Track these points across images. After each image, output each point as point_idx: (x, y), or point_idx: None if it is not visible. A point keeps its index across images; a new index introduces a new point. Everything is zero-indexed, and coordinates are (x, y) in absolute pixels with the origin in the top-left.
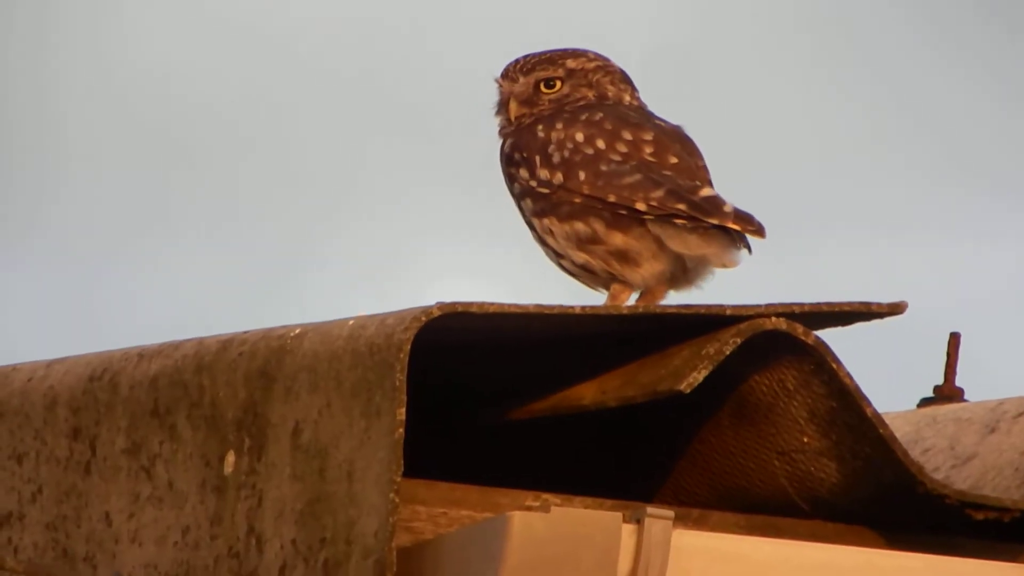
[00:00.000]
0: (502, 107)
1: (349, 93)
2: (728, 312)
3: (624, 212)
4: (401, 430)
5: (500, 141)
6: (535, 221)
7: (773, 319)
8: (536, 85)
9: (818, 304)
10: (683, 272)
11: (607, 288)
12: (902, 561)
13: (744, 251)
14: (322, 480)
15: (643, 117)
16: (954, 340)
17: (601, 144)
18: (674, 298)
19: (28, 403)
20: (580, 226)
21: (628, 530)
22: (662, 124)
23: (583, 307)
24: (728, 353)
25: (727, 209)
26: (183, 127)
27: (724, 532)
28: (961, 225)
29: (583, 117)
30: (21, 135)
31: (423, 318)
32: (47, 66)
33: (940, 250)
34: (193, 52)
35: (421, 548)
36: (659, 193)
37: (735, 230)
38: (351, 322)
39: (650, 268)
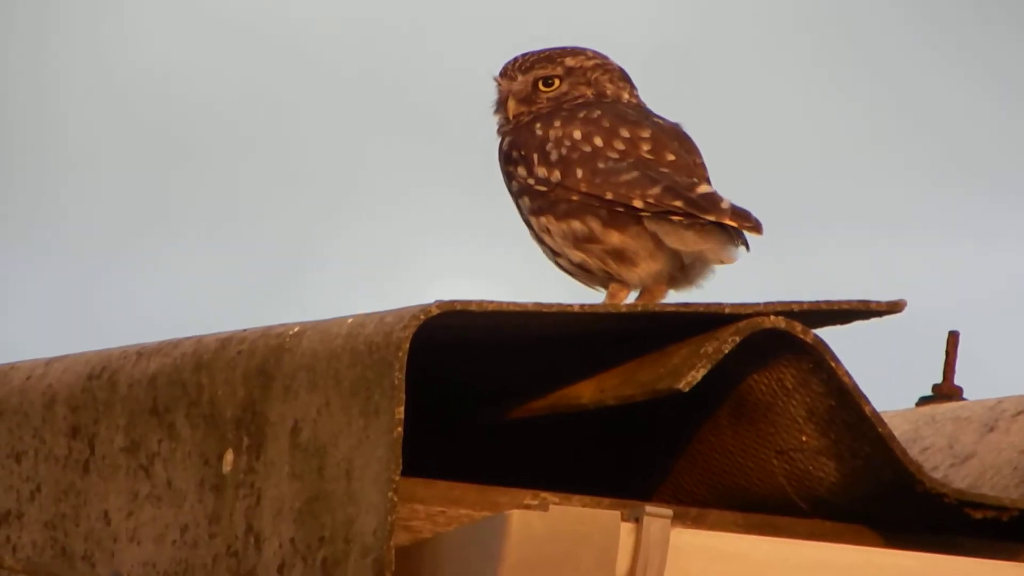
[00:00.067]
0: (501, 105)
1: (349, 93)
2: (727, 310)
3: (621, 209)
4: (400, 429)
5: (499, 139)
6: (532, 219)
7: (772, 317)
8: (535, 83)
9: (817, 303)
10: (681, 271)
11: (605, 287)
12: (901, 560)
13: (742, 248)
14: (321, 479)
15: (641, 115)
16: (953, 339)
17: (599, 142)
18: (674, 297)
19: (27, 401)
20: (577, 225)
21: (627, 529)
22: (660, 122)
23: (582, 305)
24: (727, 352)
25: (724, 206)
26: (183, 127)
27: (723, 531)
28: (961, 225)
29: (581, 115)
30: (21, 135)
31: (422, 316)
32: (47, 66)
33: (940, 250)
34: (193, 52)
35: (420, 547)
36: (656, 190)
37: (732, 227)
38: (350, 320)
39: (647, 267)
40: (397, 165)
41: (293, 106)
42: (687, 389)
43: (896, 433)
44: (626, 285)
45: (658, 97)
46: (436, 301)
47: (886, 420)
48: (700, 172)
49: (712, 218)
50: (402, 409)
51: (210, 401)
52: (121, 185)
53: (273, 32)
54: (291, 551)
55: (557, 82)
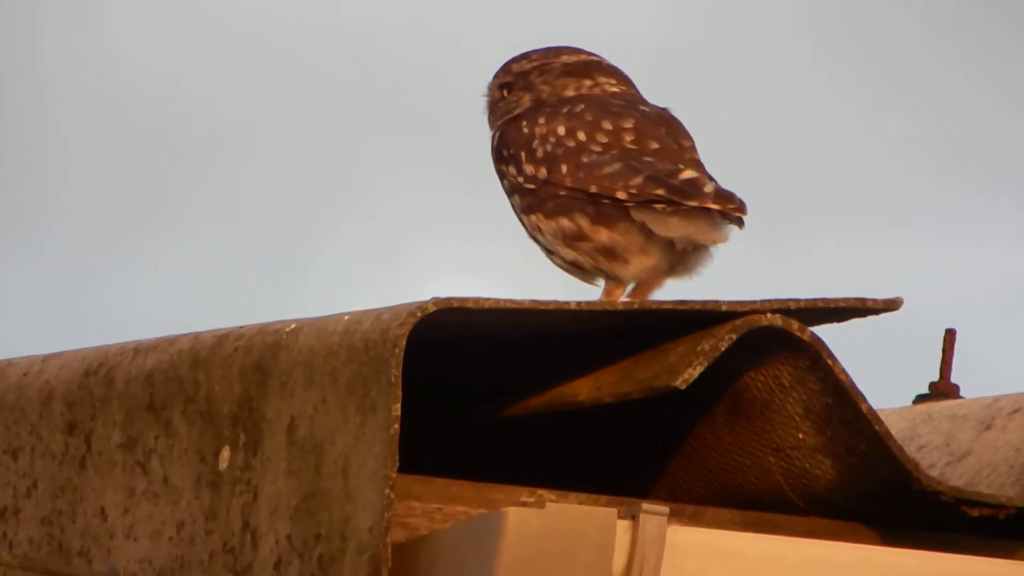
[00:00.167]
0: (488, 110)
1: (349, 93)
2: (723, 308)
3: (607, 201)
4: (396, 426)
5: (491, 138)
6: (524, 218)
7: (768, 315)
8: (501, 90)
9: (813, 300)
10: (676, 259)
11: (602, 280)
12: (897, 558)
13: (734, 227)
14: (317, 476)
15: (627, 104)
16: (950, 337)
17: (582, 136)
18: (670, 292)
19: (24, 398)
20: (566, 222)
21: (623, 526)
22: (646, 109)
23: (579, 303)
24: (723, 349)
25: (707, 190)
26: (183, 127)
27: (719, 528)
28: (961, 225)
29: (564, 110)
30: (21, 135)
31: (418, 313)
32: (47, 65)
33: (939, 249)
34: (193, 52)
35: (416, 544)
36: (638, 180)
37: (716, 210)
38: (346, 317)
39: (640, 263)
40: (397, 165)
41: (293, 106)
42: (684, 387)
43: (893, 431)
44: (621, 282)
45: (658, 97)
46: (433, 298)
47: (883, 418)
48: (687, 156)
49: (694, 203)
50: (399, 406)
51: (207, 398)
52: (121, 185)
53: (273, 32)
54: (287, 548)
55: (512, 89)
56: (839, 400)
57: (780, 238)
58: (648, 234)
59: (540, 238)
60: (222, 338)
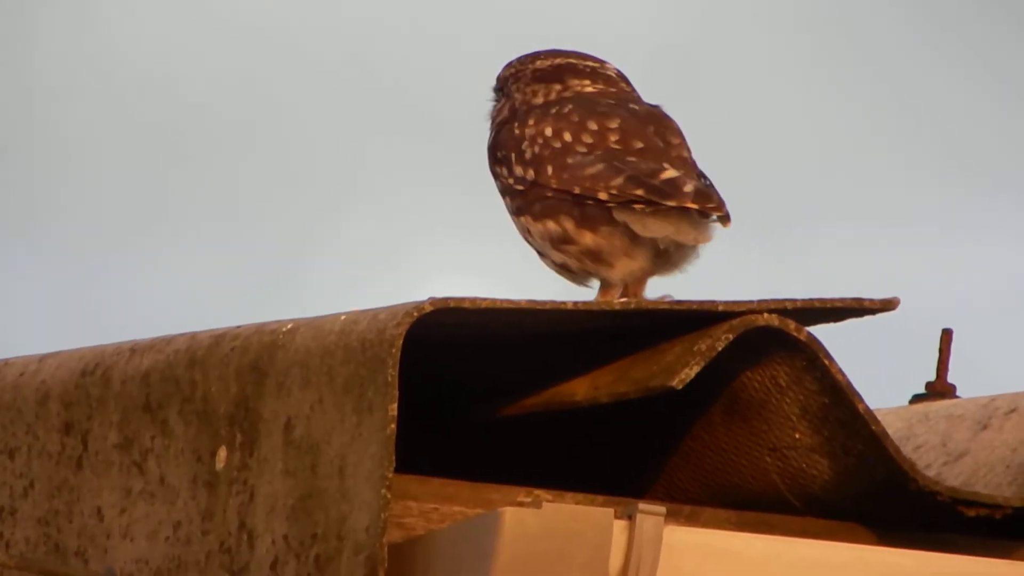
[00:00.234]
0: (490, 111)
1: (349, 93)
2: (720, 308)
3: (591, 203)
4: (393, 426)
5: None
6: (515, 220)
7: (765, 315)
8: (494, 94)
9: (810, 300)
10: (663, 259)
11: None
12: (894, 558)
13: (717, 224)
14: (314, 476)
15: (616, 103)
16: (946, 336)
17: (568, 137)
18: (659, 283)
19: (20, 398)
20: (552, 225)
21: (620, 526)
22: (635, 107)
23: (575, 303)
24: (720, 349)
25: (687, 189)
26: (183, 127)
27: (716, 528)
28: (961, 225)
29: (552, 111)
30: (21, 135)
31: (415, 313)
32: (47, 65)
33: (939, 249)
34: (193, 52)
35: (413, 544)
36: (619, 180)
37: (695, 209)
38: (343, 317)
39: (625, 266)
40: (397, 165)
41: (293, 106)
42: (680, 387)
43: (889, 431)
44: (612, 283)
45: (658, 98)
46: (430, 298)
47: (879, 418)
48: (674, 154)
49: (673, 203)
50: (395, 406)
51: (203, 398)
52: (121, 185)
53: (273, 32)
54: (284, 548)
55: (499, 94)
56: (836, 400)
57: (780, 238)
58: (632, 236)
59: (531, 240)
60: (219, 338)
